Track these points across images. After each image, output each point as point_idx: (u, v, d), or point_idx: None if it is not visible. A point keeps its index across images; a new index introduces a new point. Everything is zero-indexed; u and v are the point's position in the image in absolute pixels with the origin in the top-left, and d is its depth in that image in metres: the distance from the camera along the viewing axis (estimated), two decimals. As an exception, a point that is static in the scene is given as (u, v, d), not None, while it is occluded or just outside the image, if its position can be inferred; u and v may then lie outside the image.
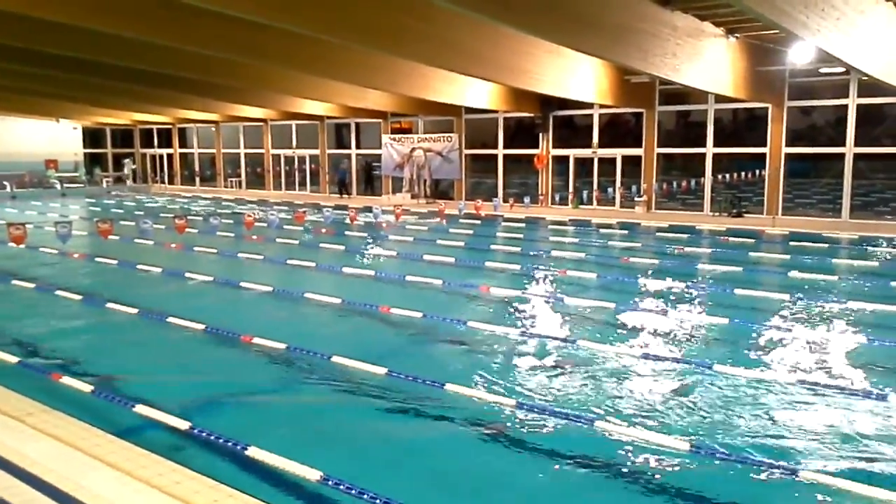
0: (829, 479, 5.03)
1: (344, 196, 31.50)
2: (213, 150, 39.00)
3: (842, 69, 17.56)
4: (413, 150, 29.73)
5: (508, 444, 5.77)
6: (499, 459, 5.55)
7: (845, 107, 20.12)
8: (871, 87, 18.27)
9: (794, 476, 5.08)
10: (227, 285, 12.35)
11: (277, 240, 17.88)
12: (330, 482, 4.89)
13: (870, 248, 16.09)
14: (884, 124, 20.32)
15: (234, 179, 37.77)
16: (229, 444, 5.54)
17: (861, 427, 6.01)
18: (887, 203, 20.68)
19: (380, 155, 31.32)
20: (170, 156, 41.66)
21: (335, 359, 7.77)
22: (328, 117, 31.95)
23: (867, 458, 5.44)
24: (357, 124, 32.58)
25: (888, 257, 15.29)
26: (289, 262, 14.65)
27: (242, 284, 12.16)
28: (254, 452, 5.35)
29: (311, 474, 4.98)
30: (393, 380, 7.19)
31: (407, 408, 6.60)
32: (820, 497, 4.83)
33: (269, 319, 10.22)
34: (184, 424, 5.90)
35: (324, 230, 19.16)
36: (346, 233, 19.42)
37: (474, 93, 21.93)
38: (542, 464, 5.43)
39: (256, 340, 8.55)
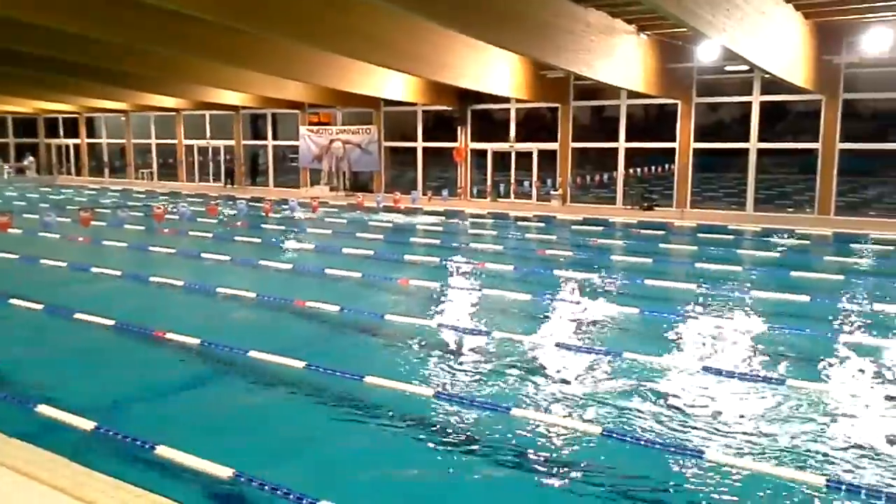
0: (732, 461, 5.26)
1: (228, 186, 32.11)
2: (123, 141, 37.67)
3: (746, 67, 18.28)
4: (331, 141, 29.44)
5: (428, 434, 5.80)
6: (419, 450, 5.57)
7: (750, 103, 20.98)
8: (773, 84, 19.13)
9: (700, 458, 5.28)
10: (137, 280, 11.97)
11: (190, 233, 17.43)
12: (242, 479, 4.81)
13: (772, 240, 16.83)
14: (785, 121, 21.28)
15: (145, 171, 36.58)
16: (137, 443, 5.38)
17: (761, 410, 6.30)
18: (788, 196, 21.71)
19: (297, 146, 30.90)
20: (76, 146, 40.01)
21: (252, 353, 7.64)
22: (244, 107, 31.31)
23: (767, 439, 5.70)
24: (274, 115, 32.03)
25: (788, 248, 16.02)
26: (203, 255, 14.31)
27: (154, 279, 11.80)
28: (163, 451, 5.21)
29: (223, 472, 4.89)
30: (312, 373, 7.13)
31: (326, 401, 6.56)
32: (724, 478, 5.03)
33: (183, 314, 9.98)
34: (89, 424, 5.70)
35: (239, 223, 18.79)
36: (263, 225, 19.10)
37: (393, 85, 21.88)
38: (460, 452, 5.47)
39: (169, 336, 8.33)
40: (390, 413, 6.22)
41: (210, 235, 17.29)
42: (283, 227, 19.16)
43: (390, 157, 29.02)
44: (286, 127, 31.94)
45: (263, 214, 18.57)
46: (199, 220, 19.20)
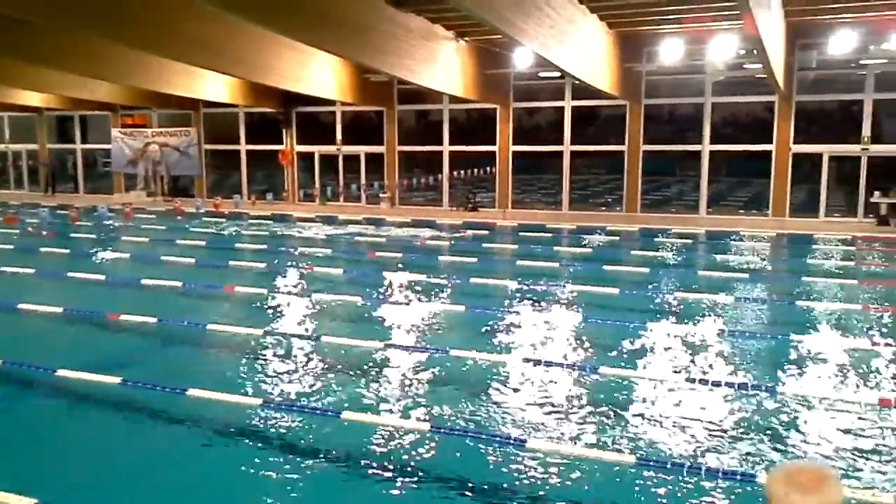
0: (552, 447, 5.55)
1: (48, 193, 29.67)
2: None
3: (558, 74, 19.29)
4: (147, 144, 27.98)
5: (256, 443, 5.67)
6: (248, 460, 5.43)
7: (563, 108, 22.17)
8: (583, 90, 20.32)
9: (523, 446, 5.53)
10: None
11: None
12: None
13: (585, 237, 17.88)
14: (595, 125, 22.69)
15: (-69, 178, 33.03)
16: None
17: (578, 397, 6.70)
18: (600, 195, 23.17)
19: (109, 150, 29.10)
20: None
21: (61, 372, 7.12)
22: (48, 109, 29.03)
23: (583, 424, 6.06)
24: (83, 117, 29.96)
25: (601, 244, 17.10)
26: (1, 269, 13.13)
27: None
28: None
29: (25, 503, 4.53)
30: (128, 389, 6.75)
31: (146, 417, 6.25)
32: (546, 463, 5.30)
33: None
34: None
35: (44, 232, 17.43)
36: (72, 235, 17.83)
37: (213, 86, 21.16)
38: (291, 459, 5.40)
39: (-38, 359, 7.59)
40: (216, 425, 6.03)
41: (10, 247, 15.92)
42: (93, 236, 17.98)
43: (212, 160, 28.01)
44: (98, 129, 29.95)
45: (70, 223, 17.30)
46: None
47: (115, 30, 12.96)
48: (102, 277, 12.62)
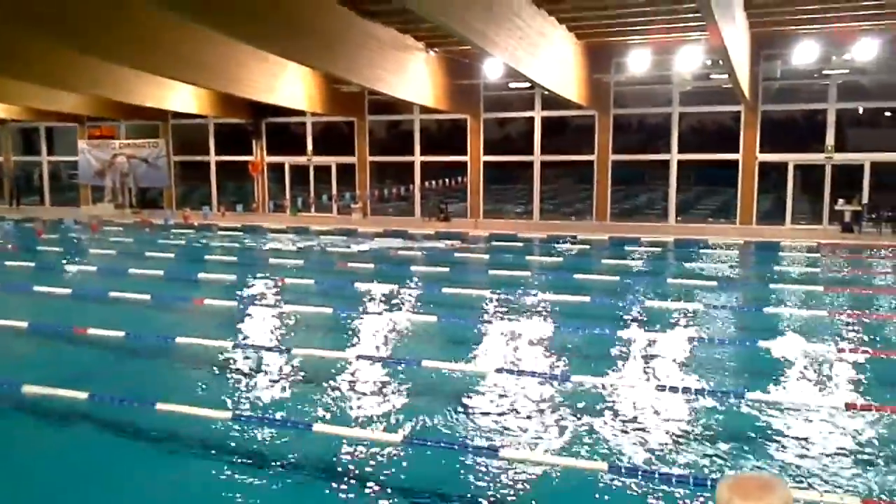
0: (525, 455, 5.56)
1: (13, 206, 29.03)
2: None
3: (528, 84, 19.42)
4: (115, 156, 27.65)
5: (226, 457, 5.61)
6: (217, 474, 5.37)
7: (532, 119, 22.31)
8: (552, 101, 20.48)
9: (496, 455, 5.53)
10: None
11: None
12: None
13: (557, 246, 17.97)
14: (564, 135, 22.86)
15: None
16: None
17: (550, 406, 6.71)
18: (571, 204, 23.31)
19: (76, 162, 28.71)
20: None
21: (26, 388, 6.99)
22: (12, 121, 28.58)
23: (556, 432, 6.08)
24: (48, 129, 29.54)
25: (571, 253, 17.19)
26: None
27: None
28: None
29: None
30: (96, 404, 6.64)
31: (114, 432, 6.14)
32: (518, 472, 5.31)
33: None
34: None
35: (10, 245, 17.13)
36: (38, 248, 17.52)
37: (181, 97, 20.98)
38: (262, 473, 5.35)
39: (-77, 376, 7.42)
40: (186, 439, 5.95)
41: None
42: (60, 249, 17.70)
43: (181, 171, 27.75)
44: (64, 141, 29.54)
45: (36, 236, 17.02)
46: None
47: (85, 41, 12.79)
48: (69, 291, 12.42)
